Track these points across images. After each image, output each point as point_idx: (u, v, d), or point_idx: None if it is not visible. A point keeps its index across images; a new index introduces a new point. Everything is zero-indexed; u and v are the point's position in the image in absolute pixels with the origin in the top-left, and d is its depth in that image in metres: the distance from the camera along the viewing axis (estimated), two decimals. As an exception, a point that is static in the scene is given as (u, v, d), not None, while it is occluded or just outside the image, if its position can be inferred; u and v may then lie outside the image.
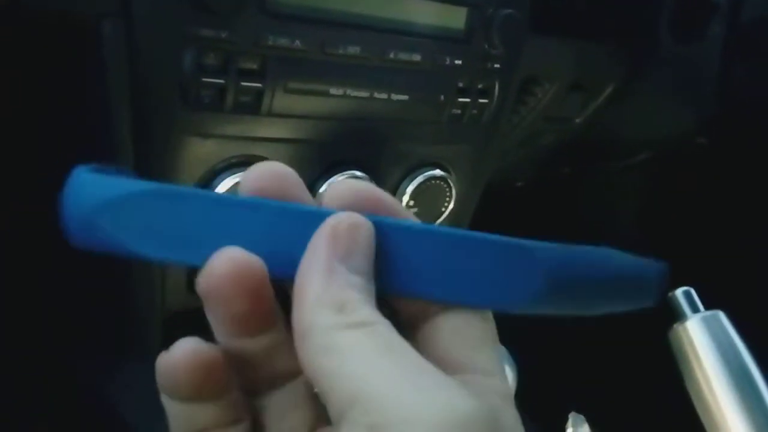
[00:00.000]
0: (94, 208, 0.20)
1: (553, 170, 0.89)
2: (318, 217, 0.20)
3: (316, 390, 0.21)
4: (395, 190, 0.51)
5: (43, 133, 0.48)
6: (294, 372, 0.21)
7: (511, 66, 0.52)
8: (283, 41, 0.41)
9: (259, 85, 0.41)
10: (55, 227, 0.20)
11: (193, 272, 0.20)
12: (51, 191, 0.21)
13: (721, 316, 0.38)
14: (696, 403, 0.37)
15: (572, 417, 0.43)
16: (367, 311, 0.18)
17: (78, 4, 0.38)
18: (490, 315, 0.21)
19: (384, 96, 0.46)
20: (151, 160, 0.41)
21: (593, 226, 1.02)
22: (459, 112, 0.51)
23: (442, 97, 0.49)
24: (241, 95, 0.40)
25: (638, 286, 0.23)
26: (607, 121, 0.73)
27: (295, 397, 0.21)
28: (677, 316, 0.38)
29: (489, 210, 0.62)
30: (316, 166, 0.47)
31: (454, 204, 0.55)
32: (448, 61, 0.48)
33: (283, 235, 0.20)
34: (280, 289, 0.21)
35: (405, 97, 0.47)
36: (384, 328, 0.18)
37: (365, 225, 0.20)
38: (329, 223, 0.19)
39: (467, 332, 0.20)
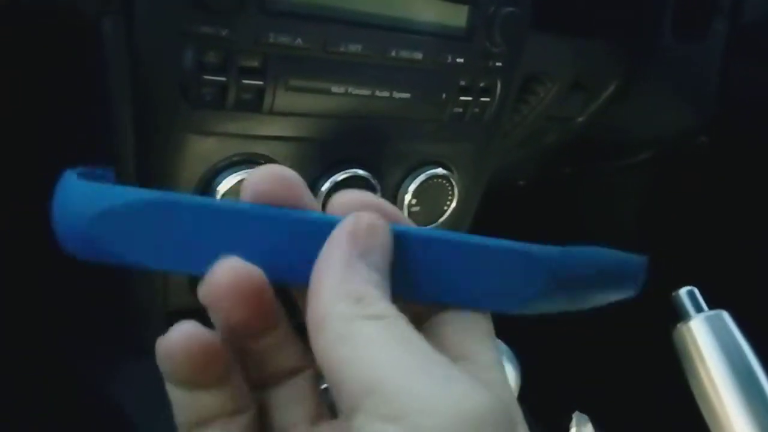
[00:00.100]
0: (89, 219, 0.19)
1: (554, 169, 0.89)
2: (317, 225, 0.20)
3: (323, 386, 0.21)
4: (397, 189, 0.51)
5: (43, 132, 0.48)
6: (296, 368, 0.22)
7: (512, 64, 0.52)
8: (284, 39, 0.41)
9: (260, 83, 0.40)
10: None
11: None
12: (51, 191, 0.21)
13: (725, 315, 0.38)
14: (700, 402, 0.37)
15: (576, 416, 0.43)
16: (384, 305, 0.18)
17: (78, 2, 0.38)
18: (488, 311, 0.22)
19: (386, 94, 0.46)
20: (153, 159, 0.41)
21: (595, 225, 1.02)
22: (461, 110, 0.51)
23: (444, 96, 0.49)
24: (243, 93, 0.40)
25: (622, 279, 0.24)
26: (608, 120, 0.73)
27: (297, 393, 0.22)
28: (681, 315, 0.38)
29: (491, 209, 0.62)
30: (318, 165, 0.47)
31: (456, 202, 0.55)
32: (449, 59, 0.48)
33: (283, 243, 0.20)
34: (281, 290, 0.21)
35: (407, 95, 0.47)
36: (401, 321, 0.18)
37: (384, 225, 0.20)
38: (350, 221, 0.20)
39: (472, 327, 0.21)
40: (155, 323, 0.47)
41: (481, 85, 0.51)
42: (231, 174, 0.42)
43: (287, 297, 0.22)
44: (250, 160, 0.43)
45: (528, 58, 0.54)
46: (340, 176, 0.47)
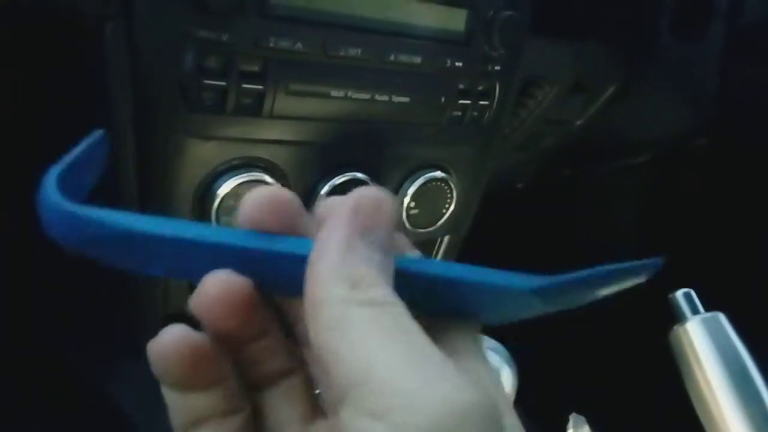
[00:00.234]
0: (72, 242, 0.20)
1: (553, 172, 0.89)
2: (288, 259, 0.19)
3: (316, 383, 0.22)
4: (396, 192, 0.51)
5: (43, 133, 0.48)
6: (289, 370, 0.22)
7: (511, 68, 0.52)
8: (284, 43, 0.41)
9: (260, 87, 0.41)
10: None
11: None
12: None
13: (722, 317, 0.38)
14: (696, 404, 0.38)
15: (573, 418, 0.43)
16: (382, 289, 0.18)
17: (79, 5, 0.38)
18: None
19: (385, 98, 0.46)
20: (153, 162, 0.41)
21: (594, 227, 1.02)
22: (459, 114, 0.51)
23: (443, 99, 0.49)
24: (243, 97, 0.40)
25: (628, 280, 0.23)
26: (607, 122, 0.73)
27: (291, 393, 0.22)
28: (677, 317, 0.39)
29: (490, 212, 0.62)
30: (317, 168, 0.47)
31: (455, 205, 0.55)
32: (448, 63, 0.48)
33: (263, 272, 0.20)
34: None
35: (406, 99, 0.47)
36: (397, 308, 0.18)
37: (388, 201, 0.19)
38: (353, 196, 0.19)
39: (459, 324, 0.21)
40: (155, 324, 0.47)
41: (480, 88, 0.51)
42: (231, 177, 0.42)
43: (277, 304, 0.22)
44: (250, 164, 0.43)
45: (527, 62, 0.54)
46: (339, 180, 0.47)
